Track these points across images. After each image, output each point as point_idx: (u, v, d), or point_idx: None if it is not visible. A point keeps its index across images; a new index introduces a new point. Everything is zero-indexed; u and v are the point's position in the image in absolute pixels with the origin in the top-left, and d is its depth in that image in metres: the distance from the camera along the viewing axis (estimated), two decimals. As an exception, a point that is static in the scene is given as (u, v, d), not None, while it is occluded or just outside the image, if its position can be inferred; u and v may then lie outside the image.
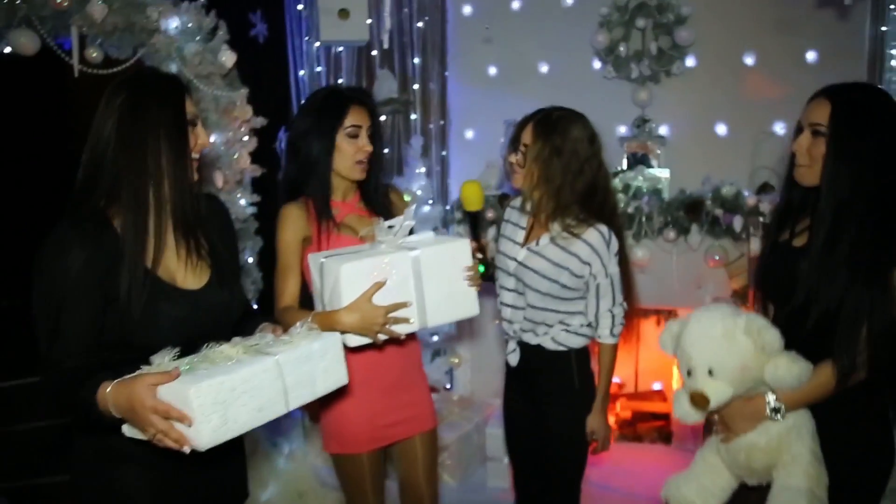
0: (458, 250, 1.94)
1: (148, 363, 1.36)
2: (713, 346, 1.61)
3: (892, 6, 3.29)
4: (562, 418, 2.24)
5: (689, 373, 1.67)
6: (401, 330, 1.88)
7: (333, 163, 2.08)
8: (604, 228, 2.12)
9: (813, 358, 1.63)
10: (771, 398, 1.65)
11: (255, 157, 3.27)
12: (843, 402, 1.66)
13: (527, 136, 2.14)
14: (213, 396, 1.27)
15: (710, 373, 1.62)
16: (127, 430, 1.36)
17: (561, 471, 2.28)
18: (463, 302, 1.97)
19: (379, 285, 1.82)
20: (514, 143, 2.20)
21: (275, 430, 3.53)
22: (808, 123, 1.68)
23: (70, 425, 1.58)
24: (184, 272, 1.57)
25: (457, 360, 3.90)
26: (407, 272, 1.85)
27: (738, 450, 1.71)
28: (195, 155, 1.57)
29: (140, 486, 1.53)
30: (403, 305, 1.86)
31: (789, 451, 1.65)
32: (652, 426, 3.92)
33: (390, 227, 1.88)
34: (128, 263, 1.45)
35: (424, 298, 1.89)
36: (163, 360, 1.35)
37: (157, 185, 1.49)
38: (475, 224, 2.21)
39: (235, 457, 1.74)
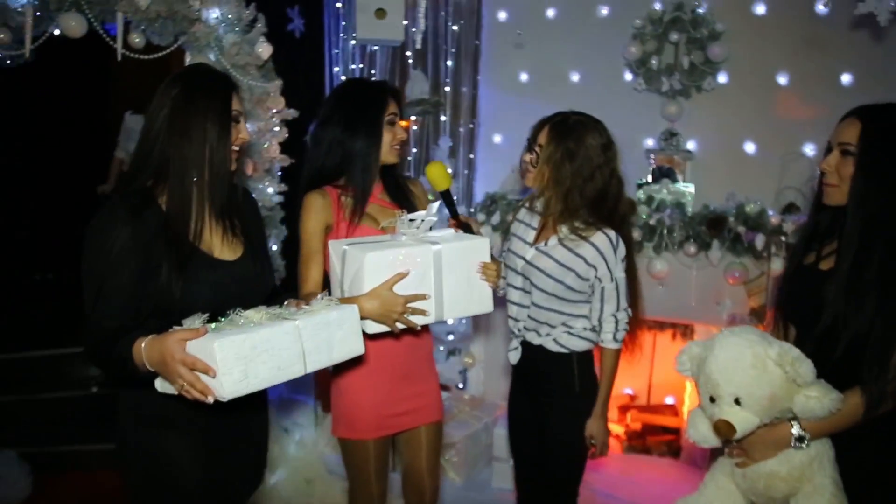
0: (478, 248, 2.00)
1: (181, 325, 1.48)
2: (742, 374, 1.57)
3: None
4: (561, 421, 2.25)
5: (711, 399, 1.64)
6: (418, 321, 1.93)
7: (381, 152, 2.15)
8: (612, 233, 2.14)
9: (840, 384, 1.59)
10: (796, 427, 1.62)
11: (285, 147, 3.35)
12: (870, 431, 1.63)
13: (542, 137, 2.17)
14: (235, 351, 1.39)
15: (737, 401, 1.58)
16: (159, 384, 1.49)
17: (559, 473, 2.29)
18: (479, 298, 2.02)
19: (401, 276, 1.88)
20: (530, 143, 2.23)
21: (286, 416, 3.60)
22: (837, 143, 1.67)
23: (111, 395, 1.75)
24: (220, 246, 1.74)
25: (470, 360, 3.93)
26: (428, 265, 1.90)
27: (758, 477, 1.68)
28: (235, 147, 1.73)
29: (181, 450, 1.70)
30: (423, 297, 1.91)
31: (812, 482, 1.62)
32: (661, 439, 3.91)
33: (412, 220, 1.94)
34: (172, 236, 1.62)
35: (443, 292, 1.94)
36: (193, 322, 1.47)
37: (199, 170, 1.65)
38: (449, 202, 2.22)
39: (261, 438, 1.92)
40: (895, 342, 1.54)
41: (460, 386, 3.99)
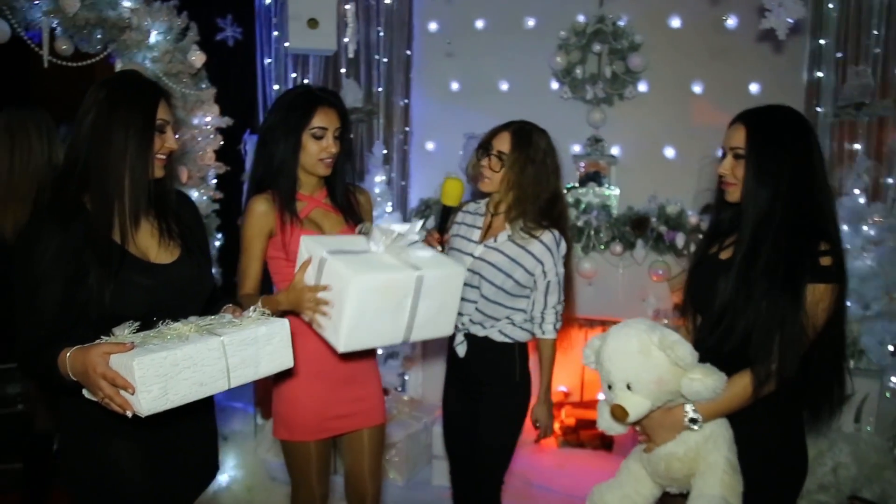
0: (455, 277, 1.98)
1: (109, 334, 1.48)
2: (630, 361, 1.67)
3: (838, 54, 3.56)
4: (496, 412, 2.37)
5: (609, 387, 1.73)
6: (323, 323, 1.88)
7: (300, 159, 2.15)
8: (556, 233, 2.32)
9: (738, 369, 1.70)
10: (689, 409, 1.71)
11: (220, 155, 3.35)
12: (759, 410, 1.75)
13: (502, 144, 2.29)
14: (154, 369, 1.38)
15: (629, 387, 1.67)
16: (86, 392, 1.48)
17: (487, 462, 2.40)
18: (444, 323, 2.01)
19: (306, 264, 1.89)
20: (485, 149, 2.33)
21: (225, 423, 3.57)
22: (729, 147, 1.81)
23: (59, 407, 1.73)
24: (156, 250, 1.74)
25: (409, 363, 3.99)
26: (409, 291, 1.87)
27: (658, 459, 1.76)
28: (161, 155, 1.72)
29: (125, 455, 1.69)
30: (325, 302, 1.85)
31: (706, 460, 1.71)
32: (594, 433, 4.04)
33: (391, 232, 1.89)
34: (98, 242, 1.61)
35: (416, 316, 1.92)
36: (123, 332, 1.47)
37: (120, 176, 1.64)
38: (445, 218, 2.32)
39: (210, 435, 1.93)
40: (777, 328, 1.66)
41: (399, 389, 4.05)
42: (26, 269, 1.57)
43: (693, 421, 1.71)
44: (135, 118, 1.63)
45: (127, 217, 1.66)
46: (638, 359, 1.66)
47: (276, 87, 4.16)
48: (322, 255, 1.87)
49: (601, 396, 4.42)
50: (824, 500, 2.99)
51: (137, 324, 1.50)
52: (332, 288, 1.85)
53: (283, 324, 1.64)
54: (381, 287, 1.81)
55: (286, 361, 1.65)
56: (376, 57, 4.14)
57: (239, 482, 3.44)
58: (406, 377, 4.09)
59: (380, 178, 4.01)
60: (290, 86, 4.14)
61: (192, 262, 1.79)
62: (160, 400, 1.40)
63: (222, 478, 3.41)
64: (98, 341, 1.45)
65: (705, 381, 1.64)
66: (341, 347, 1.85)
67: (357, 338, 1.86)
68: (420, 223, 1.95)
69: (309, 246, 1.94)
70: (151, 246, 1.73)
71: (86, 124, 1.63)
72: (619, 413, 1.68)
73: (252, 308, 1.65)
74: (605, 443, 4.01)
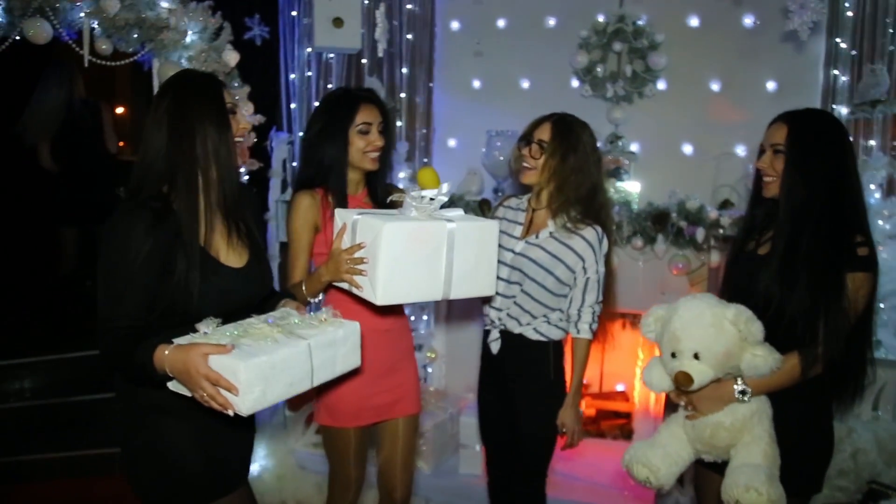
0: (488, 230, 2.01)
1: (194, 330, 1.56)
2: (702, 332, 1.77)
3: (841, 44, 3.64)
4: (535, 406, 2.38)
5: (673, 354, 1.83)
6: (361, 282, 1.93)
7: (349, 158, 2.26)
8: (599, 229, 2.32)
9: (785, 350, 1.83)
10: (739, 382, 1.84)
11: (250, 153, 3.43)
12: (791, 391, 1.88)
13: (544, 134, 2.30)
14: (257, 372, 1.47)
15: (696, 356, 1.78)
16: (172, 385, 1.56)
17: (531, 456, 2.43)
18: (483, 281, 2.03)
19: (344, 229, 1.95)
20: (526, 139, 2.35)
21: (256, 415, 3.65)
22: (769, 144, 1.95)
23: (116, 393, 1.81)
24: (226, 251, 1.79)
25: (433, 355, 4.08)
26: (441, 241, 1.90)
27: (705, 427, 1.88)
28: (239, 139, 1.80)
29: (182, 436, 1.76)
30: (360, 260, 1.91)
31: (751, 433, 1.84)
32: (614, 423, 4.14)
33: (422, 196, 1.94)
34: (185, 240, 1.66)
35: (452, 270, 1.94)
36: (207, 328, 1.55)
37: (206, 168, 1.70)
38: None
39: (251, 424, 1.99)
40: (822, 315, 1.80)
41: (424, 380, 4.13)
42: (121, 262, 1.61)
43: (743, 393, 1.84)
44: (208, 108, 1.69)
45: (214, 213, 1.71)
46: (710, 331, 1.77)
47: (299, 85, 4.23)
48: (354, 217, 1.94)
49: (620, 387, 4.42)
50: (844, 485, 3.09)
51: (219, 320, 1.57)
52: (367, 243, 1.90)
53: (356, 327, 1.73)
54: (412, 234, 1.87)
55: (355, 361, 1.75)
56: (399, 55, 4.21)
57: (270, 471, 3.54)
58: (429, 369, 4.17)
59: (402, 175, 4.09)
60: (315, 85, 4.23)
61: (259, 264, 1.85)
62: (260, 401, 1.48)
63: (253, 467, 3.49)
64: (194, 340, 1.52)
65: (767, 359, 1.78)
66: (378, 299, 1.88)
67: (393, 289, 1.88)
68: (446, 185, 1.98)
69: (343, 215, 2.02)
70: (222, 246, 1.77)
71: (160, 131, 1.67)
72: (683, 379, 1.79)
73: (324, 309, 1.73)
74: (625, 433, 4.10)
